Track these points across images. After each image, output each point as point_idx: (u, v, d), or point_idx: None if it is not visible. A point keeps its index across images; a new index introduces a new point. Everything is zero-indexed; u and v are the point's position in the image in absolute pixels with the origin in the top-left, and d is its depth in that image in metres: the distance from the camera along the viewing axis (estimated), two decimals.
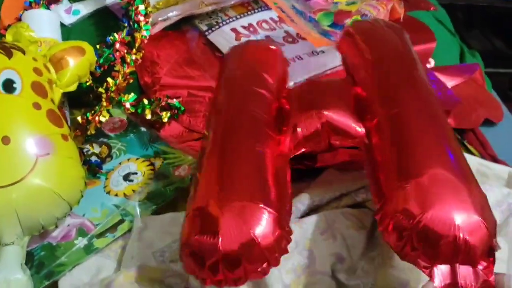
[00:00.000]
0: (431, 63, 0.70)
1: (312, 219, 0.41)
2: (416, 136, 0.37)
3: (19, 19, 0.63)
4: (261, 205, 0.33)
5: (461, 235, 0.31)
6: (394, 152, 0.37)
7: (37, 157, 0.44)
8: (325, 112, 0.42)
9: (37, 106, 0.46)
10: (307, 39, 0.67)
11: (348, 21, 0.70)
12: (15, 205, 0.42)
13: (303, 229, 0.40)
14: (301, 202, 0.43)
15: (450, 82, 0.67)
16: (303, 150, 0.42)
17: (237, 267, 0.32)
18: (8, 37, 0.52)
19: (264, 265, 0.33)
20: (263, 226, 0.32)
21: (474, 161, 0.57)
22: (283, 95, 0.47)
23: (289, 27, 0.70)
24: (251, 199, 0.34)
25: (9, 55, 0.48)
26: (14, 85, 0.46)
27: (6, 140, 0.43)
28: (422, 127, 0.38)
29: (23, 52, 0.49)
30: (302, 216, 0.43)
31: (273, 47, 0.52)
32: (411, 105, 0.39)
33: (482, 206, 0.33)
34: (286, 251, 0.34)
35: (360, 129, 0.41)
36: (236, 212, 0.33)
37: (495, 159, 0.61)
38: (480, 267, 0.33)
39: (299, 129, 0.42)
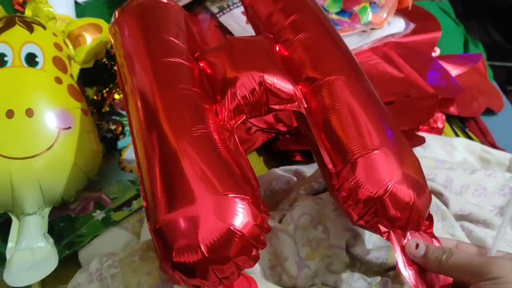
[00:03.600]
0: (437, 51, 0.72)
1: (326, 195, 0.42)
2: (357, 109, 0.37)
3: None
4: (231, 195, 0.31)
5: (415, 206, 0.34)
6: (336, 124, 0.37)
7: (60, 130, 0.45)
8: (261, 73, 0.39)
9: (58, 80, 0.47)
10: None
11: (356, 8, 0.71)
12: (38, 176, 0.44)
13: (318, 205, 0.41)
14: (316, 181, 0.45)
15: (454, 70, 0.69)
16: (244, 117, 0.39)
17: (226, 263, 0.31)
18: (28, 12, 0.52)
19: (253, 252, 0.32)
20: (241, 216, 0.31)
21: (477, 148, 0.59)
22: (199, 58, 0.42)
23: None
24: (221, 190, 0.31)
25: (31, 29, 0.49)
26: (37, 59, 0.47)
27: (29, 112, 0.44)
28: (358, 97, 0.38)
29: (44, 27, 0.50)
30: (318, 193, 0.44)
31: (166, 1, 0.46)
32: (344, 72, 0.39)
33: (420, 173, 0.37)
34: (269, 229, 0.33)
35: (297, 92, 0.40)
36: (209, 211, 0.30)
37: (494, 147, 0.63)
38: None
39: (236, 93, 0.38)
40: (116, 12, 0.46)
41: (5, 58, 0.46)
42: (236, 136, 0.38)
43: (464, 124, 0.67)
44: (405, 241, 0.35)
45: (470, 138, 0.65)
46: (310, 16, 0.44)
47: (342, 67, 0.40)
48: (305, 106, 0.39)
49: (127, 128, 0.59)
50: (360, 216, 0.35)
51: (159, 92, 0.37)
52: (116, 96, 0.58)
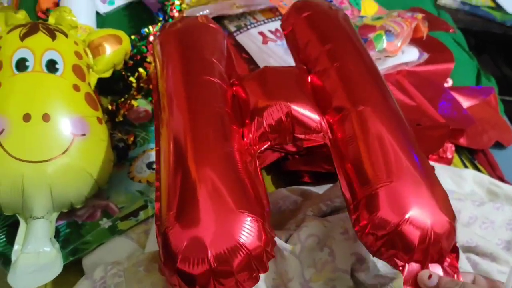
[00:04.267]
0: (449, 82, 0.72)
1: (334, 218, 0.42)
2: (383, 137, 0.37)
3: (56, 4, 0.65)
4: (246, 213, 0.32)
5: (433, 237, 0.34)
6: (362, 153, 0.37)
7: (74, 136, 0.45)
8: (289, 103, 0.40)
9: (76, 88, 0.48)
10: None
11: (371, 35, 0.72)
12: (49, 180, 0.44)
13: (326, 228, 0.41)
14: (324, 203, 0.45)
15: (465, 102, 0.69)
16: (268, 144, 0.41)
17: (228, 278, 0.32)
18: (51, 20, 0.54)
19: (254, 273, 0.33)
20: (250, 234, 0.32)
21: (486, 180, 0.59)
22: (234, 82, 0.44)
23: None
24: (234, 207, 0.32)
25: (53, 36, 0.50)
26: (57, 66, 0.48)
27: (46, 117, 0.45)
28: (388, 127, 0.38)
29: (66, 35, 0.51)
30: (325, 215, 0.44)
31: (213, 26, 0.49)
32: (374, 102, 0.40)
33: (447, 206, 0.36)
34: (272, 256, 0.34)
35: (323, 123, 0.41)
36: (222, 223, 0.32)
37: (503, 181, 0.63)
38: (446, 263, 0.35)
39: (264, 118, 0.40)
40: (161, 29, 0.48)
41: (27, 63, 0.47)
42: (257, 162, 0.39)
43: (473, 156, 0.67)
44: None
45: (478, 170, 0.65)
46: (345, 46, 0.45)
47: (371, 97, 0.40)
48: (330, 137, 0.40)
49: (138, 138, 0.59)
50: (376, 248, 0.34)
51: (191, 105, 0.39)
52: (134, 103, 0.59)
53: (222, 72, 0.43)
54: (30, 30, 0.49)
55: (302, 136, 0.41)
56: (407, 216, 0.33)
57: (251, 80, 0.43)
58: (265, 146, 0.41)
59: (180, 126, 0.38)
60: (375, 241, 0.34)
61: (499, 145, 0.69)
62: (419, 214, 0.34)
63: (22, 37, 0.48)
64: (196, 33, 0.46)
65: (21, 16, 0.52)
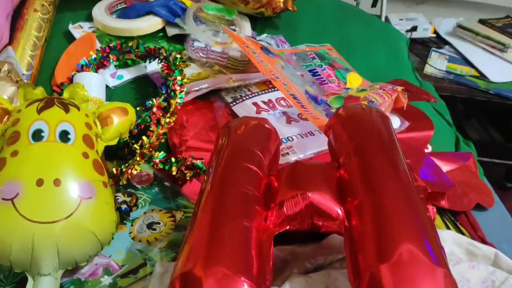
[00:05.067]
0: (429, 148, 0.78)
1: (318, 275, 0.46)
2: (393, 221, 0.39)
3: (70, 79, 0.72)
4: (242, 278, 0.36)
5: None
6: (371, 235, 0.39)
7: (81, 199, 0.50)
8: (310, 194, 0.44)
9: (85, 155, 0.53)
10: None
11: None
12: (57, 239, 0.48)
13: (309, 283, 0.45)
14: (309, 261, 0.49)
15: (445, 167, 0.74)
16: (287, 227, 0.45)
17: None
18: (65, 94, 0.60)
19: None
20: None
21: (464, 241, 0.62)
22: (273, 173, 0.50)
23: None
24: (234, 269, 0.36)
25: (67, 110, 0.56)
26: (69, 136, 0.53)
27: (57, 182, 0.50)
28: (400, 213, 0.40)
29: (78, 109, 0.57)
30: (309, 272, 0.48)
31: (268, 127, 0.56)
32: (390, 192, 0.42)
33: None
34: None
35: (341, 213, 0.44)
36: (218, 278, 0.35)
37: (484, 241, 0.66)
38: None
39: (284, 208, 0.44)
40: (224, 127, 0.57)
41: (42, 134, 0.52)
42: (272, 245, 0.44)
43: (456, 218, 0.71)
44: None
45: (460, 231, 0.68)
46: (373, 142, 0.49)
47: (390, 191, 0.42)
48: (346, 225, 0.43)
49: (140, 200, 0.64)
50: None
51: (223, 183, 0.46)
52: (134, 172, 0.64)
53: (262, 163, 0.49)
54: (47, 104, 0.55)
55: (320, 223, 0.45)
56: None
57: (283, 171, 0.49)
58: (283, 229, 0.45)
59: (207, 199, 0.44)
60: None
61: (480, 207, 0.73)
62: None
63: (39, 111, 0.55)
64: (250, 129, 0.55)
65: (39, 92, 0.59)
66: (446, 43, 1.65)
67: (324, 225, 0.45)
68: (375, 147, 0.48)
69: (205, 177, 0.50)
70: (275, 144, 0.55)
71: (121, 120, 0.61)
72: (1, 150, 0.52)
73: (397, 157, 0.48)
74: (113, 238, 0.54)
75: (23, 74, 0.69)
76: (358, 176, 0.45)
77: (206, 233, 0.40)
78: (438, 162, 0.74)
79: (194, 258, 0.38)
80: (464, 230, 0.69)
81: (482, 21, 1.67)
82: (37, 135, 0.52)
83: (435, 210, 0.69)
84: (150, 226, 0.60)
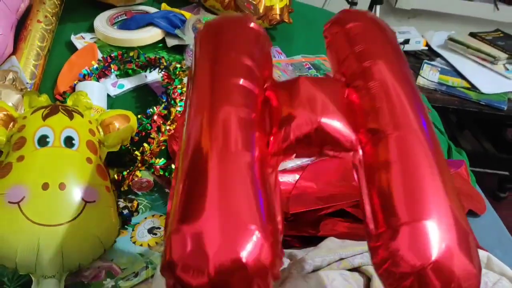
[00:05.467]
0: None
1: (316, 276, 0.47)
2: (420, 170, 0.35)
3: (73, 88, 0.73)
4: (255, 229, 0.31)
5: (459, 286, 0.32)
6: (394, 183, 0.34)
7: (85, 203, 0.52)
8: (319, 118, 0.38)
9: (89, 160, 0.55)
10: None
11: None
12: (61, 242, 0.49)
13: (308, 284, 0.46)
14: (307, 263, 0.50)
15: None
16: (293, 155, 0.39)
17: None
18: (69, 102, 0.62)
19: None
20: (256, 252, 0.30)
21: None
22: (268, 86, 0.42)
23: None
24: (243, 221, 0.31)
25: (71, 116, 0.57)
26: (73, 142, 0.55)
27: (62, 186, 0.51)
28: (426, 158, 0.36)
29: (82, 115, 0.59)
30: (307, 273, 0.49)
31: (255, 26, 0.45)
32: (414, 130, 0.37)
33: (475, 257, 0.33)
34: (278, 277, 0.32)
35: (355, 142, 0.38)
36: (228, 236, 0.30)
37: (477, 246, 0.68)
38: None
39: (290, 133, 0.38)
40: (204, 25, 0.47)
41: (47, 139, 0.54)
42: (278, 173, 0.38)
43: None
44: None
45: None
46: (386, 63, 0.42)
47: (408, 122, 0.38)
48: (360, 158, 0.38)
49: (141, 206, 0.65)
50: (394, 286, 0.32)
51: (215, 109, 0.37)
52: (135, 178, 0.65)
53: (256, 75, 0.41)
54: (51, 111, 0.57)
55: (331, 153, 0.39)
56: (432, 260, 0.31)
57: (284, 89, 0.41)
58: (289, 158, 0.39)
59: (201, 131, 0.36)
60: (393, 280, 0.32)
61: (473, 214, 0.75)
62: (446, 262, 0.32)
63: (44, 117, 0.56)
64: (235, 32, 0.44)
65: (43, 99, 0.61)
66: (438, 55, 1.69)
67: (335, 155, 0.39)
68: (394, 71, 0.41)
69: (187, 101, 0.42)
70: (266, 47, 0.46)
71: (123, 127, 0.63)
72: (7, 155, 0.54)
73: (411, 80, 0.42)
74: (115, 241, 0.55)
75: (27, 83, 0.70)
76: (378, 107, 0.39)
77: (207, 181, 0.33)
78: None
79: (195, 208, 0.32)
80: None
81: (472, 34, 1.71)
82: (43, 141, 0.53)
83: None
84: (151, 230, 0.61)
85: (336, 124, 0.39)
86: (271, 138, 0.39)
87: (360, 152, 0.39)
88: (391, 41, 0.46)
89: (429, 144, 0.37)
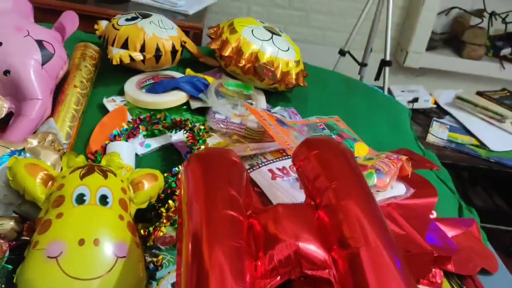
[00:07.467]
0: (434, 214, 0.83)
1: None
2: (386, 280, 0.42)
3: (104, 148, 0.79)
4: None
5: None
6: None
7: (117, 258, 0.55)
8: (297, 242, 0.45)
9: (121, 217, 0.59)
10: None
11: (364, 173, 0.85)
12: None
13: None
14: None
15: (450, 232, 0.79)
16: (278, 278, 0.45)
17: None
18: (103, 162, 0.67)
19: None
20: None
21: None
22: (252, 214, 0.49)
23: None
24: None
25: (105, 176, 0.62)
26: (107, 200, 0.60)
27: (96, 241, 0.55)
28: (383, 271, 0.43)
29: (115, 175, 0.64)
30: None
31: (236, 159, 0.54)
32: (373, 244, 0.45)
33: None
34: None
35: (329, 260, 0.45)
36: None
37: None
38: None
39: (274, 257, 0.45)
40: (188, 158, 0.55)
41: (84, 198, 0.58)
42: None
43: (463, 282, 0.74)
44: None
45: None
46: (350, 184, 0.51)
47: (373, 236, 0.45)
48: (334, 273, 0.45)
49: (164, 261, 0.68)
50: None
51: (209, 242, 0.44)
52: (160, 234, 0.69)
53: (241, 206, 0.49)
54: (88, 171, 0.62)
55: (309, 272, 0.46)
56: None
57: (265, 217, 0.49)
58: (275, 281, 0.45)
59: (199, 267, 0.43)
60: None
61: (486, 272, 0.76)
62: None
63: (82, 177, 0.61)
64: (221, 166, 0.52)
65: (80, 160, 0.66)
66: (447, 113, 1.74)
67: (313, 274, 0.46)
68: (355, 190, 0.50)
69: (184, 222, 0.49)
70: (246, 179, 0.54)
71: (151, 185, 0.67)
72: (47, 212, 0.58)
73: (373, 199, 0.51)
74: None
75: (64, 143, 0.76)
76: (342, 225, 0.46)
77: None
78: (442, 228, 0.79)
79: None
80: None
81: (479, 93, 1.77)
82: (80, 199, 0.58)
83: (442, 273, 0.72)
84: (174, 285, 0.64)
85: (311, 247, 0.46)
86: (258, 263, 0.46)
87: (334, 269, 0.45)
88: (350, 164, 0.54)
89: (390, 252, 0.45)
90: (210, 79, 0.98)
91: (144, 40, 0.94)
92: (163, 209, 0.71)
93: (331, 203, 0.49)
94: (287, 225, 0.48)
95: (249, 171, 0.84)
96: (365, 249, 0.44)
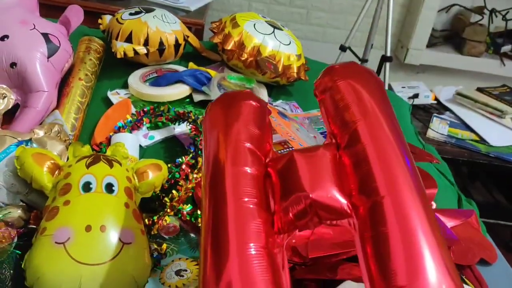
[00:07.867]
0: (433, 205, 0.84)
1: None
2: (414, 234, 0.38)
3: (108, 139, 0.80)
4: None
5: None
6: (390, 249, 0.37)
7: (123, 244, 0.56)
8: (311, 194, 0.42)
9: (127, 205, 0.60)
10: None
11: None
12: (100, 280, 0.54)
13: None
14: None
15: (449, 223, 0.79)
16: (295, 231, 0.43)
17: None
18: (109, 152, 0.68)
19: None
20: None
21: None
22: (269, 163, 0.46)
23: None
24: None
25: (111, 165, 0.64)
26: (113, 188, 0.61)
27: (103, 228, 0.56)
28: (421, 221, 0.39)
29: (120, 164, 0.65)
30: None
31: (255, 103, 0.50)
32: (405, 193, 0.40)
33: None
34: None
35: (349, 208, 0.42)
36: None
37: None
38: None
39: (289, 212, 0.42)
40: (207, 108, 0.53)
41: (91, 186, 0.60)
42: (285, 253, 0.42)
43: (461, 272, 0.75)
44: None
45: (466, 284, 0.73)
46: (377, 124, 0.45)
47: (400, 185, 0.40)
48: (355, 222, 0.41)
49: (168, 249, 0.70)
50: None
51: (226, 199, 0.43)
52: (164, 223, 0.70)
53: (260, 159, 0.45)
54: (94, 160, 0.63)
55: (328, 222, 0.43)
56: None
57: (280, 165, 0.46)
58: (293, 234, 0.43)
59: (213, 218, 0.42)
60: None
61: (484, 262, 0.77)
62: None
63: (88, 166, 0.62)
64: (238, 114, 0.49)
65: (86, 150, 0.67)
66: (447, 109, 1.76)
67: (332, 224, 0.43)
68: (385, 132, 0.44)
69: (203, 174, 0.48)
70: (267, 121, 0.51)
71: (156, 175, 0.69)
72: (54, 199, 0.59)
73: (402, 141, 0.45)
74: (147, 281, 0.59)
75: (69, 135, 0.77)
76: (367, 171, 0.42)
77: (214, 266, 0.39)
78: (442, 218, 0.80)
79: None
80: (470, 284, 0.73)
81: (479, 89, 1.79)
82: (86, 187, 0.59)
83: None
84: (178, 273, 0.65)
85: (328, 195, 0.43)
86: (275, 217, 0.44)
87: (355, 217, 0.42)
88: (384, 100, 0.48)
89: (420, 203, 0.40)
90: (212, 72, 0.99)
91: (147, 34, 0.96)
92: (167, 199, 0.72)
93: (357, 145, 0.44)
94: (302, 173, 0.44)
95: None
96: (390, 199, 0.39)
